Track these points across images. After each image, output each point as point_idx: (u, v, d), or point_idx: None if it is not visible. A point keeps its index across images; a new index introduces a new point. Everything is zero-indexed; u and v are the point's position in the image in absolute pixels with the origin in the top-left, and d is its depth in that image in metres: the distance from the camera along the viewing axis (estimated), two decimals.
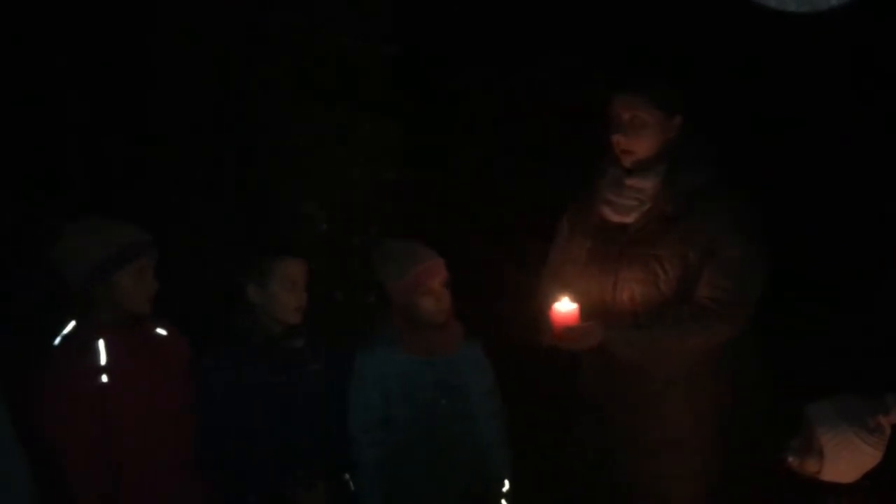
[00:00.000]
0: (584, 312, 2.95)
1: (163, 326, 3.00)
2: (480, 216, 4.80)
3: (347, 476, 3.13)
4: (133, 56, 4.28)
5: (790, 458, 2.60)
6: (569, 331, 2.92)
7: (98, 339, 2.81)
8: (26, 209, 4.04)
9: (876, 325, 4.24)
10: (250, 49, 4.29)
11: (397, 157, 4.47)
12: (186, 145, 4.30)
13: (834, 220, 4.60)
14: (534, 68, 4.97)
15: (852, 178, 4.65)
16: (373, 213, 4.38)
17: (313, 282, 3.08)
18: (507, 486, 3.19)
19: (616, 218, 3.03)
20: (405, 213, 4.40)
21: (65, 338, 2.83)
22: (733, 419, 3.02)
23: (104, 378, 2.78)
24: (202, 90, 4.29)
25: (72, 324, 2.85)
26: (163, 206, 4.02)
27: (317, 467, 3.03)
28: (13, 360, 2.67)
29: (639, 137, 2.97)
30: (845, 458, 2.52)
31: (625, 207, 3.02)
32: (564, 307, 2.92)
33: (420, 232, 3.42)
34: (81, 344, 2.81)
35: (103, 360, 2.79)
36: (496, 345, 3.28)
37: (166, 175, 4.26)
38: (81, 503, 2.73)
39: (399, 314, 3.15)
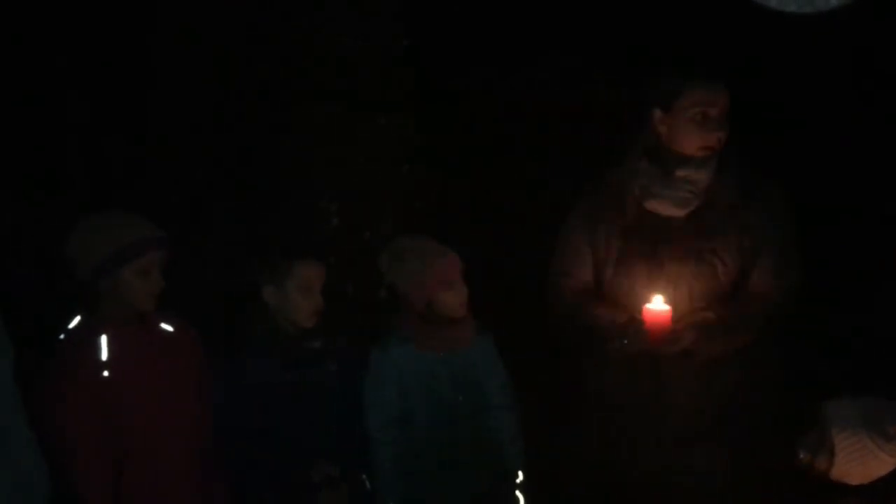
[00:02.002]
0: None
1: (169, 322, 2.98)
2: (487, 214, 4.79)
3: (364, 476, 3.12)
4: (133, 56, 4.28)
5: (801, 454, 2.57)
6: (667, 334, 2.88)
7: (101, 334, 2.81)
8: (26, 209, 4.05)
9: (876, 326, 4.24)
10: (250, 49, 4.29)
11: (407, 154, 4.46)
12: (186, 145, 4.30)
13: (834, 220, 4.59)
14: (535, 68, 4.96)
15: (852, 179, 4.65)
16: (383, 210, 4.39)
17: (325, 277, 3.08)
18: (521, 477, 3.19)
19: (670, 211, 3.01)
20: (416, 210, 4.40)
21: (69, 332, 2.84)
22: (762, 415, 3.01)
23: (106, 373, 2.78)
24: (202, 90, 4.29)
25: (77, 318, 2.85)
26: (163, 206, 4.02)
27: (335, 467, 3.02)
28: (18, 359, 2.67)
29: (727, 130, 2.98)
30: (856, 461, 2.47)
31: (681, 200, 3.00)
32: (657, 307, 2.88)
33: (430, 228, 3.41)
34: (84, 339, 2.81)
35: (105, 355, 2.79)
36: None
37: (166, 175, 4.27)
38: (84, 495, 2.72)
39: (413, 312, 3.13)
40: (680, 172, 3.00)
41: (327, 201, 4.30)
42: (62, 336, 2.84)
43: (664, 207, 3.03)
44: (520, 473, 3.19)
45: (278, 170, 4.29)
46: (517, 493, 3.17)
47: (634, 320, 2.93)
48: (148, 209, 3.02)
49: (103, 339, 2.80)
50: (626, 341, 2.96)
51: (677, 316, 2.91)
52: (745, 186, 2.99)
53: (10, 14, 4.12)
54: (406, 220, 4.32)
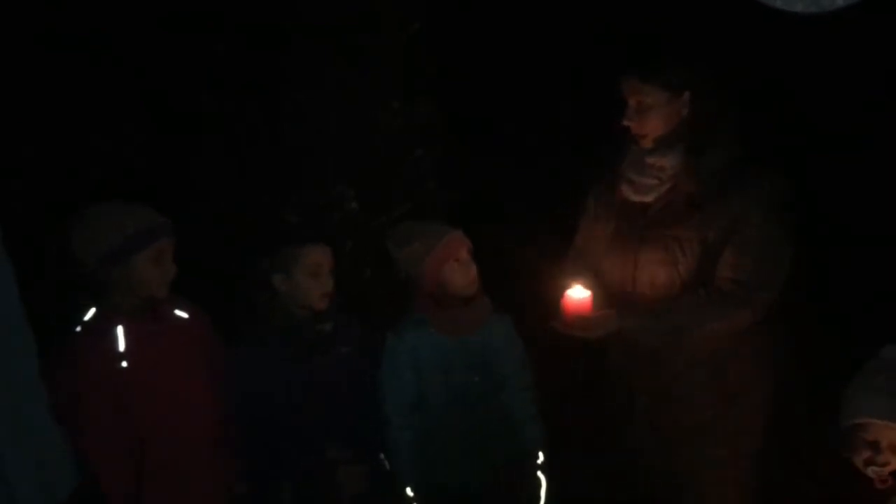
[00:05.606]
0: (606, 296, 2.93)
1: (182, 308, 2.99)
2: (504, 197, 4.78)
3: (383, 456, 3.13)
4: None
5: (875, 475, 2.53)
6: (581, 320, 2.90)
7: (117, 324, 2.80)
8: (36, 200, 4.03)
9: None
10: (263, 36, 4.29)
11: (424, 138, 4.44)
12: (202, 132, 4.30)
13: (834, 220, 4.62)
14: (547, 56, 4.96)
15: (854, 180, 4.69)
16: (400, 194, 4.36)
17: (342, 261, 3.08)
18: (541, 458, 3.19)
19: (636, 197, 3.01)
20: (433, 194, 4.38)
21: (84, 324, 2.81)
22: (762, 400, 3.01)
23: (124, 363, 2.78)
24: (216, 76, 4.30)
25: (92, 310, 2.83)
26: (178, 193, 4.01)
27: (352, 449, 3.04)
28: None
29: (647, 120, 2.94)
30: None
31: (645, 187, 3.00)
32: (577, 294, 2.89)
33: (446, 212, 3.38)
34: (100, 330, 2.80)
35: (122, 345, 2.78)
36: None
37: (180, 161, 4.26)
38: (102, 485, 2.68)
39: (426, 295, 3.14)
40: (648, 159, 2.99)
41: (344, 186, 4.27)
42: (78, 328, 2.81)
43: (629, 193, 3.04)
44: (540, 454, 3.19)
45: (295, 155, 4.28)
46: (538, 473, 3.18)
47: (559, 303, 2.94)
48: (163, 197, 3.02)
49: (120, 330, 2.80)
50: (552, 324, 2.98)
51: (612, 298, 2.92)
52: (720, 178, 2.89)
53: (10, 13, 4.11)
54: (423, 204, 4.30)
